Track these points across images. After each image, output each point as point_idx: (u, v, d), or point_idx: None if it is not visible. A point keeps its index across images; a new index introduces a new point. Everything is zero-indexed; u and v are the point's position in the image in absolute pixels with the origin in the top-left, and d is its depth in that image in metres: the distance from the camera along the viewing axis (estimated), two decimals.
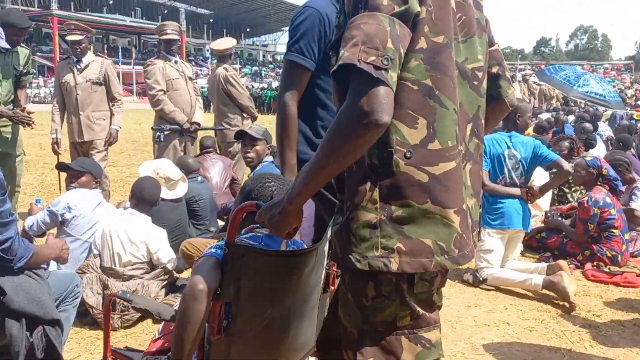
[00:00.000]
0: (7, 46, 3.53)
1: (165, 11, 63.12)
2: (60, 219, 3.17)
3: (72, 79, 4.93)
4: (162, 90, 5.08)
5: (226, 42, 5.89)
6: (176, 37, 5.26)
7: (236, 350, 1.53)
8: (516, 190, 3.77)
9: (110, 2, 59.24)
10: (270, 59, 77.11)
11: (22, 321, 1.89)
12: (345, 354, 1.33)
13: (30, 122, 4.31)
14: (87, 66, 4.96)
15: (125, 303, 2.68)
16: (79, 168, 3.52)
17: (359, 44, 1.11)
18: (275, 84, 34.75)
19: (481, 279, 3.79)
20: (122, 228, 3.12)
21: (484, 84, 1.41)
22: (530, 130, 8.42)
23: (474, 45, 1.36)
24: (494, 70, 1.50)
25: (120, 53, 47.01)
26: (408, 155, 1.21)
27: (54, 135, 5.00)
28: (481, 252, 3.80)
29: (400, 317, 1.28)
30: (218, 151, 5.69)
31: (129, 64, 41.97)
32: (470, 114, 1.36)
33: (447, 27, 1.25)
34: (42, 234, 3.25)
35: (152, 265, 3.19)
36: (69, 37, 4.94)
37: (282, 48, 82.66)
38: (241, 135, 3.47)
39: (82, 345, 2.81)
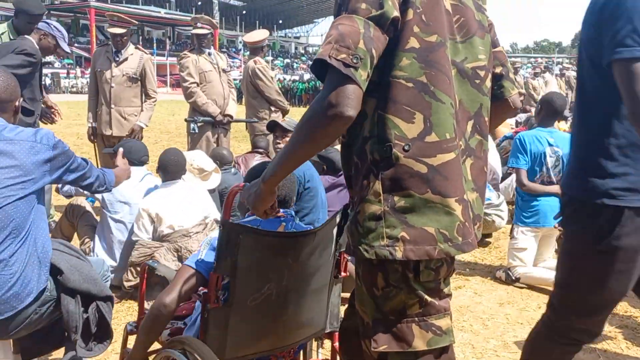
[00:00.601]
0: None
1: (199, 3, 63.69)
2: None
3: (109, 70, 4.87)
4: (195, 82, 5.13)
5: (258, 34, 5.89)
6: (206, 31, 5.26)
7: (235, 320, 1.66)
8: (553, 188, 3.69)
9: None
10: (302, 51, 77.11)
11: (77, 298, 2.01)
12: (363, 343, 1.40)
13: (54, 118, 4.39)
14: (125, 59, 4.89)
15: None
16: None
17: (332, 42, 1.19)
18: (307, 76, 34.75)
19: (514, 277, 3.73)
20: (176, 194, 3.28)
21: (487, 82, 1.46)
22: (566, 125, 8.22)
23: (474, 45, 1.41)
24: (498, 70, 1.54)
25: (154, 44, 47.76)
26: (406, 148, 1.27)
27: (89, 124, 5.01)
28: (514, 250, 3.74)
29: (409, 305, 1.33)
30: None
31: (163, 55, 42.56)
32: (472, 111, 1.42)
33: (440, 27, 1.31)
34: (70, 196, 3.46)
35: (205, 225, 3.36)
36: (111, 30, 4.87)
37: (314, 40, 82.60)
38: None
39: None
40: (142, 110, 5.01)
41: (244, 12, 70.32)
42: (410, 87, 1.27)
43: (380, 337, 1.34)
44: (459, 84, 1.38)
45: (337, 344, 1.89)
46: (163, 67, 38.98)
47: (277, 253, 1.68)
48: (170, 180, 3.39)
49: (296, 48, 76.96)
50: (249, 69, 5.59)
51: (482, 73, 1.43)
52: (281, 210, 1.83)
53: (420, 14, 1.28)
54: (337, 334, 1.87)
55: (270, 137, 5.49)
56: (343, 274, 1.92)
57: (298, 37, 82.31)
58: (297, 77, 37.29)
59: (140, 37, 51.32)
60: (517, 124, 9.06)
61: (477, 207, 1.42)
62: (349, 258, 2.04)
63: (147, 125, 5.11)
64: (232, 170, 4.52)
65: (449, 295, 1.41)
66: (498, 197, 4.67)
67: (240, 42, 64.21)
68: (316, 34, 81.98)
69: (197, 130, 5.11)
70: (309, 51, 79.33)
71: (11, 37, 4.07)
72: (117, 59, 4.86)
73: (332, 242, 1.79)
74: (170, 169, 3.39)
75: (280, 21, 75.50)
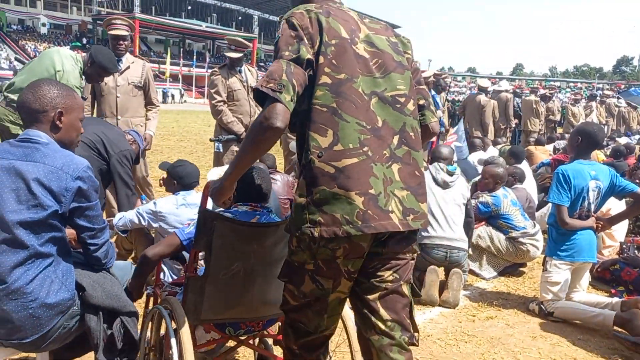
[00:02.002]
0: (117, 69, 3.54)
1: (240, 17, 64.88)
2: (146, 224, 3.25)
3: (112, 80, 4.53)
4: (222, 101, 5.18)
5: None
6: (239, 55, 5.30)
7: (209, 290, 2.05)
8: (589, 222, 3.59)
9: (189, 7, 61.59)
10: None
11: (100, 315, 1.99)
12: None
13: None
14: (127, 67, 4.63)
15: None
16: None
17: (264, 77, 1.69)
18: None
19: (547, 312, 3.63)
20: None
21: (409, 106, 1.87)
22: (601, 155, 8.01)
23: (392, 79, 1.86)
24: (421, 102, 2.00)
25: (195, 56, 48.73)
26: (320, 155, 1.71)
27: None
28: (548, 284, 3.64)
29: (307, 263, 1.80)
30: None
31: (203, 67, 43.46)
32: (397, 128, 1.83)
33: (348, 68, 1.77)
34: (125, 232, 3.38)
35: None
36: (113, 32, 4.54)
37: None
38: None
39: None
40: (147, 119, 4.83)
41: None
42: (324, 111, 1.73)
43: (284, 272, 1.90)
44: (382, 108, 1.81)
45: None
46: (202, 78, 39.75)
47: (243, 239, 2.05)
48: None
49: None
50: None
51: (402, 99, 1.86)
52: (259, 205, 2.23)
53: (331, 59, 1.75)
54: None
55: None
56: None
57: None
58: None
59: (182, 49, 52.53)
60: (555, 150, 8.89)
61: (409, 202, 1.80)
62: None
63: (154, 133, 4.93)
64: None
65: (353, 274, 1.81)
66: (534, 226, 4.58)
67: None
68: None
69: (221, 150, 5.19)
70: None
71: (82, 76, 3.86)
72: (119, 68, 4.54)
73: None
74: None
75: None
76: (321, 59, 1.74)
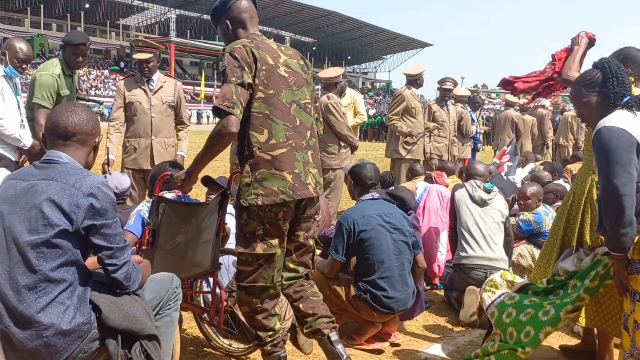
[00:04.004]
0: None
1: (272, 39, 65.87)
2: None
3: (146, 100, 4.57)
4: None
5: (333, 71, 5.98)
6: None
7: (157, 258, 2.47)
8: None
9: None
10: (369, 87, 77.73)
11: (118, 338, 1.92)
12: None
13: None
14: (160, 87, 4.65)
15: None
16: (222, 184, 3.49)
17: (220, 97, 2.35)
18: (372, 111, 34.79)
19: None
20: None
21: (312, 110, 2.64)
22: None
23: (303, 91, 2.59)
24: (315, 117, 2.70)
25: None
26: (260, 147, 2.43)
27: (111, 156, 4.54)
28: None
29: (257, 229, 2.46)
30: None
31: None
32: (308, 125, 2.57)
33: (275, 85, 2.46)
34: None
35: None
36: (137, 56, 4.59)
37: (381, 75, 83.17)
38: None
39: None
40: (178, 139, 4.84)
41: (314, 48, 72.07)
42: (260, 116, 2.43)
43: (240, 243, 2.51)
44: (298, 112, 2.53)
45: (217, 279, 2.89)
46: None
47: (184, 215, 2.59)
48: None
49: (363, 83, 77.70)
50: (322, 103, 5.67)
51: (309, 106, 2.62)
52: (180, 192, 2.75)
53: (262, 80, 2.43)
54: (217, 272, 2.89)
55: (339, 171, 5.54)
56: (222, 233, 2.85)
57: (366, 73, 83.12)
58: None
59: (215, 71, 53.55)
60: None
61: (317, 177, 2.58)
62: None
63: (186, 155, 4.84)
64: None
65: (284, 232, 2.52)
66: None
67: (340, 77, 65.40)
68: (384, 69, 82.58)
69: None
70: (376, 86, 79.84)
71: (65, 72, 4.31)
72: (152, 86, 4.61)
73: (217, 211, 2.74)
74: None
75: (349, 57, 76.73)
76: (256, 80, 2.41)
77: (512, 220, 4.34)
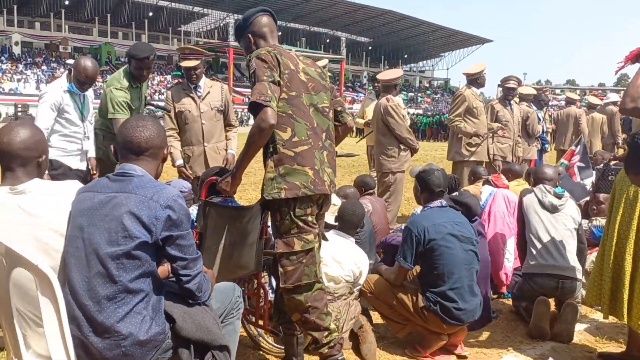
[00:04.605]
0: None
1: (328, 40, 66.14)
2: None
3: (195, 107, 4.58)
4: None
5: (393, 73, 5.88)
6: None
7: (204, 260, 2.34)
8: None
9: (279, 33, 63.43)
10: (427, 85, 76.55)
11: (191, 348, 1.96)
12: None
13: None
14: (208, 93, 4.65)
15: None
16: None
17: (256, 94, 2.45)
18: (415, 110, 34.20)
19: None
20: (327, 247, 3.20)
21: (330, 114, 2.77)
22: None
23: (321, 96, 2.72)
24: (338, 109, 2.86)
25: None
26: (283, 144, 2.55)
27: (180, 162, 4.61)
28: None
29: (292, 228, 2.58)
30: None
31: None
32: (324, 128, 2.70)
33: (296, 88, 2.60)
34: None
35: (353, 285, 3.30)
36: (184, 64, 4.59)
37: (439, 74, 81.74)
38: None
39: None
40: (227, 139, 4.83)
41: (370, 47, 71.70)
42: (284, 115, 2.55)
43: (279, 244, 2.61)
44: (316, 115, 2.66)
45: (262, 280, 3.02)
46: None
47: (230, 219, 2.68)
48: (342, 231, 3.45)
49: (420, 82, 76.59)
50: (381, 106, 5.59)
51: (327, 109, 2.74)
52: (229, 196, 2.93)
53: (286, 82, 2.57)
54: (260, 273, 2.99)
55: (399, 175, 5.44)
56: (265, 236, 2.93)
57: (423, 71, 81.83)
58: (420, 111, 36.58)
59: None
60: None
61: (332, 176, 2.71)
62: None
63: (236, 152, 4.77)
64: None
65: (314, 225, 2.64)
66: None
67: (365, 77, 65.34)
68: (442, 67, 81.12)
69: None
70: (434, 85, 78.52)
71: (132, 85, 4.36)
72: (199, 93, 4.62)
73: (259, 214, 2.81)
74: (347, 218, 3.46)
75: (406, 56, 75.83)
76: (280, 82, 2.56)
77: (585, 225, 4.11)
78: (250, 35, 2.75)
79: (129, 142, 2.00)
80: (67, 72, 4.30)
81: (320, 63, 5.84)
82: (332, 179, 2.70)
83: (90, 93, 4.46)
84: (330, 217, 3.89)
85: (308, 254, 2.61)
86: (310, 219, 2.60)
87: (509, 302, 4.15)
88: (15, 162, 1.98)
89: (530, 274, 3.70)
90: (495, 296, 4.21)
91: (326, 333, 2.64)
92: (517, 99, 7.28)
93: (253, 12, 2.77)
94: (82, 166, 4.44)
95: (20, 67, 47.38)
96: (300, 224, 2.57)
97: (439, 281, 3.07)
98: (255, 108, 2.44)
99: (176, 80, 4.88)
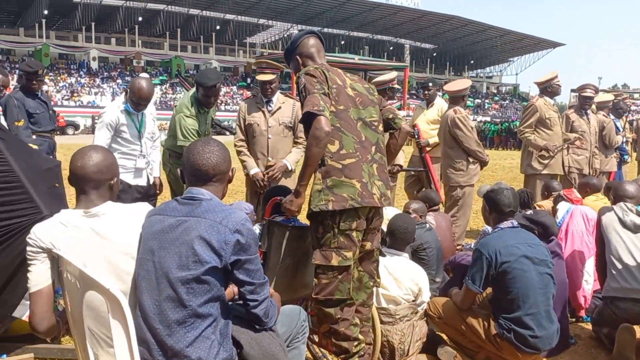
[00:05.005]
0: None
1: (391, 48, 65.76)
2: None
3: (263, 121, 4.52)
4: None
5: (460, 84, 5.70)
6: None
7: (270, 278, 2.49)
8: None
9: (342, 42, 64.02)
10: (494, 91, 74.44)
11: None
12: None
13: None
14: (279, 108, 4.57)
15: None
16: None
17: (309, 105, 2.50)
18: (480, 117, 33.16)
19: None
20: (381, 266, 3.10)
21: (379, 127, 2.79)
22: None
23: (369, 110, 2.75)
24: (390, 116, 2.89)
25: None
26: (331, 156, 2.57)
27: (256, 170, 4.51)
28: None
29: (332, 242, 2.56)
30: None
31: None
32: (373, 141, 2.71)
33: (344, 102, 2.64)
34: None
35: (415, 304, 3.21)
36: (260, 77, 4.53)
37: (507, 79, 79.30)
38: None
39: None
40: (289, 152, 4.62)
41: (434, 54, 70.65)
42: (332, 128, 2.53)
43: (317, 255, 2.59)
44: (364, 129, 2.68)
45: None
46: None
47: (294, 238, 2.70)
48: (394, 249, 3.37)
49: (488, 88, 74.58)
50: (448, 118, 5.44)
51: (376, 123, 2.76)
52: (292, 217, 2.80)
53: (334, 96, 2.62)
54: None
55: (467, 189, 5.25)
56: None
57: (490, 77, 79.65)
58: (487, 118, 35.54)
59: None
60: None
61: (382, 189, 2.68)
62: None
63: (292, 169, 4.58)
64: (427, 225, 4.35)
65: (358, 243, 2.62)
66: None
67: (430, 84, 64.19)
68: (510, 72, 78.64)
69: None
70: (502, 90, 76.23)
71: (200, 110, 4.46)
72: (270, 108, 4.55)
73: None
74: (398, 235, 3.38)
75: (472, 61, 74.14)
76: (330, 95, 2.61)
77: None
78: (298, 57, 2.83)
79: (197, 170, 1.99)
80: (125, 91, 4.37)
81: (389, 76, 5.72)
82: (382, 192, 2.67)
83: (150, 110, 4.51)
84: None
85: (344, 270, 2.60)
86: (354, 234, 2.58)
87: (588, 326, 3.90)
88: (89, 186, 2.02)
89: (612, 298, 3.45)
90: (573, 320, 3.97)
91: (356, 343, 2.67)
92: (594, 107, 6.90)
93: (300, 35, 2.86)
94: (142, 182, 4.50)
95: (97, 81, 50.25)
96: (342, 239, 2.55)
97: (513, 306, 2.90)
98: (309, 118, 2.47)
99: (242, 92, 4.89)
